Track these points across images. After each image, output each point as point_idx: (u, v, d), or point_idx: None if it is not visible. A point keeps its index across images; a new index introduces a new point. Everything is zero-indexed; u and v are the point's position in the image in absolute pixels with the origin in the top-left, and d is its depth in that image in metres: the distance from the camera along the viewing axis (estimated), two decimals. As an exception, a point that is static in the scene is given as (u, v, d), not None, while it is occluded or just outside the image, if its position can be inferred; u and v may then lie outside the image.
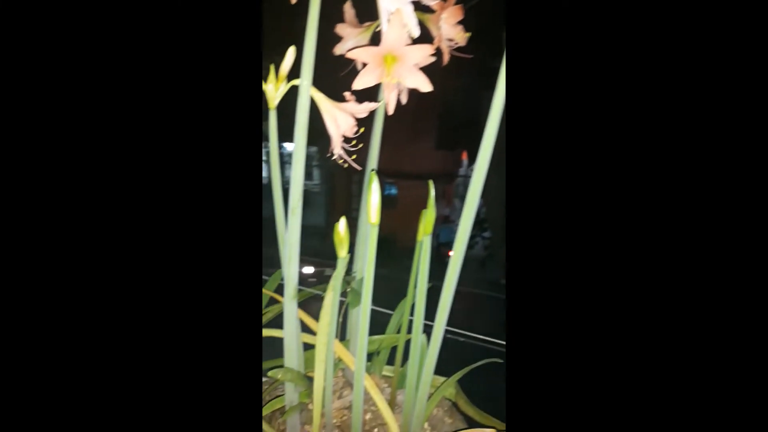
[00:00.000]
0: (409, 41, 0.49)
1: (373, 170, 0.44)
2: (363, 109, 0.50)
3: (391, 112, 0.51)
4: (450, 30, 0.64)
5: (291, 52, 0.46)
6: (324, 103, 0.49)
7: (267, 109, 0.49)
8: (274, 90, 0.48)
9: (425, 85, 0.51)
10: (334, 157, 0.51)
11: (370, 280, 0.50)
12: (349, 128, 0.49)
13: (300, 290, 0.73)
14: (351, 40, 0.75)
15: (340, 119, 0.49)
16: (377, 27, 0.78)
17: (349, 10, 0.75)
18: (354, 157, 0.54)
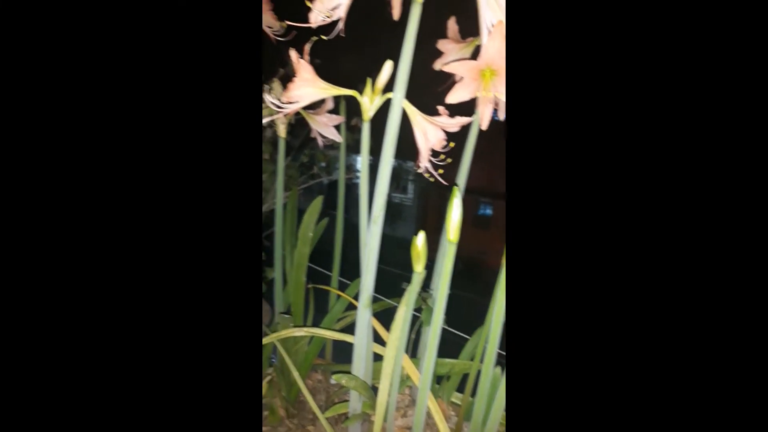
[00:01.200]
0: (510, 55, 0.47)
1: (455, 185, 0.43)
2: (454, 123, 0.49)
3: (485, 127, 0.49)
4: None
5: (388, 66, 0.48)
6: (415, 116, 0.50)
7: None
8: (369, 102, 0.50)
9: (523, 101, 0.48)
10: (420, 170, 0.50)
11: (443, 299, 0.48)
12: (438, 142, 0.48)
13: (379, 300, 0.73)
14: (452, 56, 0.75)
15: (430, 133, 0.48)
16: (479, 43, 0.77)
17: (452, 25, 0.75)
18: (441, 172, 0.53)
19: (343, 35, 0.44)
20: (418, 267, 0.51)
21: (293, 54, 0.47)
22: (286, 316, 0.73)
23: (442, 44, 0.71)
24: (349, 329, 0.72)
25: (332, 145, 0.81)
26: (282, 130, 0.75)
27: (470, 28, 0.75)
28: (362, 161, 0.54)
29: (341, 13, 0.43)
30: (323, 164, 1.21)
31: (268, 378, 0.79)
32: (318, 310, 0.89)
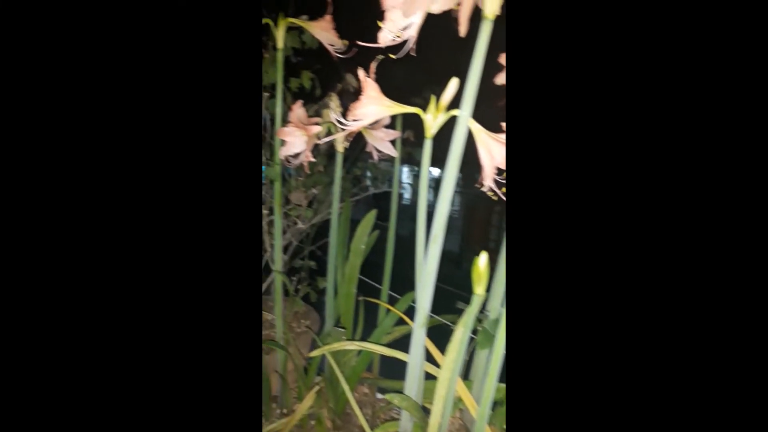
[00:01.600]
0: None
1: None
2: (521, 141, 0.47)
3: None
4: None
5: (454, 83, 0.47)
6: (480, 133, 0.48)
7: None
8: (432, 119, 0.49)
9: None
10: (483, 188, 0.49)
11: (503, 323, 0.46)
12: (503, 160, 0.47)
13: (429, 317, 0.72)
14: (514, 70, 0.73)
15: (495, 151, 0.47)
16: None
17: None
18: (504, 190, 0.51)
19: (414, 54, 0.44)
20: (479, 289, 0.49)
21: (361, 73, 0.48)
22: (341, 329, 0.73)
23: (504, 58, 0.69)
24: (397, 344, 0.71)
25: (386, 159, 0.81)
26: (340, 144, 0.76)
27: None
28: (422, 178, 0.53)
29: (412, 32, 0.43)
30: (374, 177, 1.22)
31: (317, 388, 0.80)
32: (367, 322, 0.89)
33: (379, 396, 0.97)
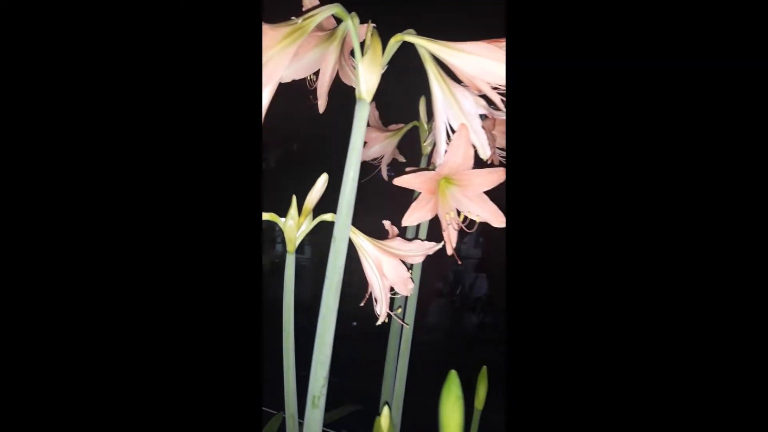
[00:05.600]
0: (472, 162, 0.38)
1: (453, 371, 0.29)
2: (418, 250, 0.36)
3: (450, 253, 0.38)
4: (501, 138, 0.54)
5: (322, 181, 0.34)
6: (364, 245, 0.36)
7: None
8: (295, 227, 0.35)
9: (497, 219, 0.38)
10: (379, 322, 0.36)
11: None
12: (402, 283, 0.35)
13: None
14: (377, 146, 0.65)
15: (388, 268, 0.35)
16: (407, 130, 0.69)
17: (373, 111, 0.66)
18: (399, 309, 0.39)
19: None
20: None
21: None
22: None
23: (366, 132, 0.61)
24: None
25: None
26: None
27: (389, 115, 0.67)
28: (285, 307, 0.37)
29: (264, 99, 0.29)
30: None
31: None
32: None
33: None
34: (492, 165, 0.47)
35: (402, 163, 0.65)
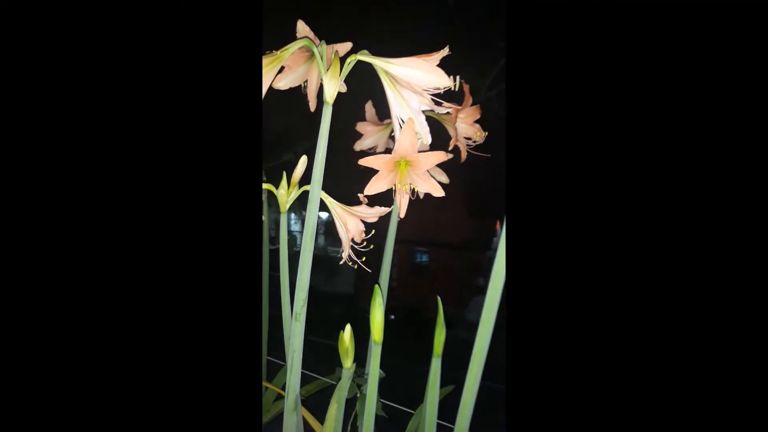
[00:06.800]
0: (423, 147, 0.49)
1: (377, 284, 0.42)
2: (373, 213, 0.49)
3: (402, 215, 0.50)
4: (467, 129, 0.65)
5: (303, 161, 0.47)
6: (335, 208, 0.49)
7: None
8: (285, 195, 0.49)
9: (437, 191, 0.50)
10: (342, 261, 0.49)
11: (373, 404, 0.45)
12: (358, 233, 0.48)
13: (310, 380, 0.68)
14: (371, 138, 0.78)
15: (351, 224, 0.48)
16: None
17: (369, 108, 0.79)
18: (364, 258, 0.52)
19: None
20: (347, 362, 0.48)
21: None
22: None
23: (361, 126, 0.73)
24: (278, 419, 0.65)
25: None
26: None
27: (386, 111, 0.80)
28: (282, 255, 0.52)
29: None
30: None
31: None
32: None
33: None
34: (456, 150, 0.59)
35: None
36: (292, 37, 0.49)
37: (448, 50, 0.44)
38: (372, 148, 0.75)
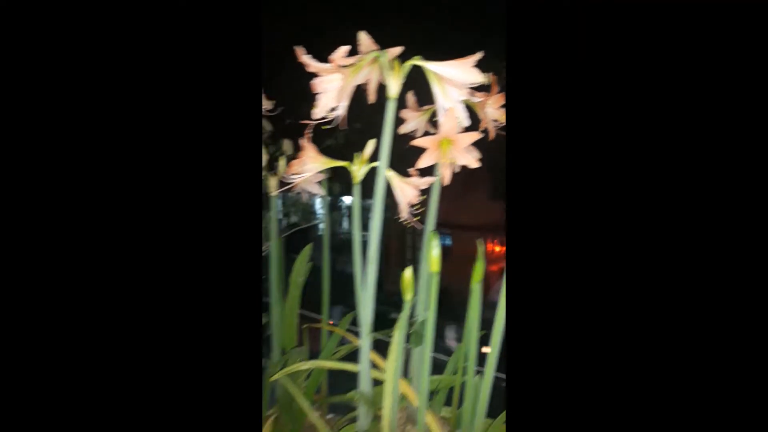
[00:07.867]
0: (461, 129, 0.63)
1: (433, 231, 0.56)
2: (424, 182, 0.64)
3: (447, 183, 0.65)
4: (495, 113, 0.78)
5: (371, 143, 0.62)
6: (394, 179, 0.64)
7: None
8: (357, 170, 0.64)
9: (474, 162, 0.64)
10: (401, 220, 0.64)
11: (432, 322, 0.61)
12: (414, 197, 0.63)
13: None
14: (412, 122, 0.92)
15: (407, 191, 0.63)
16: (433, 113, 0.95)
17: (410, 98, 0.93)
18: (417, 218, 0.67)
19: (342, 128, 0.58)
20: (408, 296, 0.63)
21: (305, 140, 0.60)
22: (300, 348, 0.81)
23: (404, 113, 0.87)
24: (344, 361, 0.81)
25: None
26: (274, 191, 0.86)
27: (423, 98, 0.93)
28: (354, 217, 0.67)
29: (341, 112, 0.57)
30: (304, 213, 1.32)
31: (271, 418, 0.85)
32: (311, 350, 0.97)
33: (330, 416, 1.04)
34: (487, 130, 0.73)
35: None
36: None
37: (482, 54, 0.57)
38: (414, 131, 0.89)
